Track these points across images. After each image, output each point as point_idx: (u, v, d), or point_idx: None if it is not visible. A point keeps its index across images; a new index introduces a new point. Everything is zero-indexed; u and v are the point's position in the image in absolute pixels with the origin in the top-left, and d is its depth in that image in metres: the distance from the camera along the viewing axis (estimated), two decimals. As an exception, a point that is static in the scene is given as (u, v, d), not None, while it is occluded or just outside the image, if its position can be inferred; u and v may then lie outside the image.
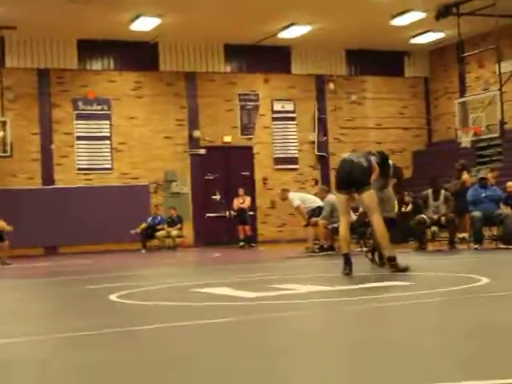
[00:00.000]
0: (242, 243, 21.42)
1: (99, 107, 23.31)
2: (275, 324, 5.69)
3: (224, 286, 8.41)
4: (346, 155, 10.19)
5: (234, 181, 24.01)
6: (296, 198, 17.44)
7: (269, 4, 20.24)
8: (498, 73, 20.88)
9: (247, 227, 21.81)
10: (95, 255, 19.92)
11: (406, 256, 13.92)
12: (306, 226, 17.34)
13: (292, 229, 23.82)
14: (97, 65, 23.44)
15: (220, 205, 24.40)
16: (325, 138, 25.71)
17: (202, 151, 24.29)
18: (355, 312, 6.08)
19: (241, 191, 22.12)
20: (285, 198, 17.92)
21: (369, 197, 9.64)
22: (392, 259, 9.57)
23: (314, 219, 16.51)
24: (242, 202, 21.97)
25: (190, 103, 24.31)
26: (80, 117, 23.12)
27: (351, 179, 9.67)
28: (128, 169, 23.46)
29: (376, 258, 10.77)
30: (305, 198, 17.54)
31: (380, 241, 9.83)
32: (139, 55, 23.55)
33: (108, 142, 23.34)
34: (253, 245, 21.62)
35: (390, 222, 10.51)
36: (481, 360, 3.99)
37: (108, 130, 23.36)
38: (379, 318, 5.73)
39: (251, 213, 23.30)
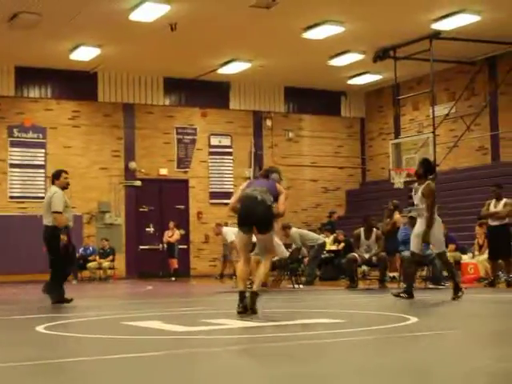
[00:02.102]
0: (173, 277, 21.37)
1: (35, 135, 23.05)
2: (204, 359, 5.67)
3: (155, 320, 8.35)
4: (249, 190, 9.37)
5: (168, 214, 23.92)
6: (230, 232, 17.44)
7: (210, 40, 20.38)
8: (431, 116, 21.35)
9: (174, 260, 21.75)
10: (24, 285, 19.54)
11: (337, 293, 14.07)
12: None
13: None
14: (34, 92, 23.21)
15: (153, 237, 24.26)
16: (260, 174, 25.78)
17: (138, 183, 24.18)
18: (285, 348, 6.10)
19: (171, 224, 22.06)
20: (219, 233, 17.92)
21: (270, 237, 9.43)
22: (254, 295, 9.36)
23: (247, 255, 16.52)
24: (170, 235, 21.90)
25: (126, 134, 24.22)
26: (14, 144, 22.83)
27: (255, 218, 9.21)
28: (61, 198, 23.13)
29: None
30: (238, 233, 17.54)
31: (256, 277, 9.74)
32: (78, 85, 23.41)
33: (42, 170, 23.05)
34: (173, 279, 21.35)
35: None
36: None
37: (43, 159, 23.09)
38: (308, 355, 5.75)
39: (183, 246, 23.24)
